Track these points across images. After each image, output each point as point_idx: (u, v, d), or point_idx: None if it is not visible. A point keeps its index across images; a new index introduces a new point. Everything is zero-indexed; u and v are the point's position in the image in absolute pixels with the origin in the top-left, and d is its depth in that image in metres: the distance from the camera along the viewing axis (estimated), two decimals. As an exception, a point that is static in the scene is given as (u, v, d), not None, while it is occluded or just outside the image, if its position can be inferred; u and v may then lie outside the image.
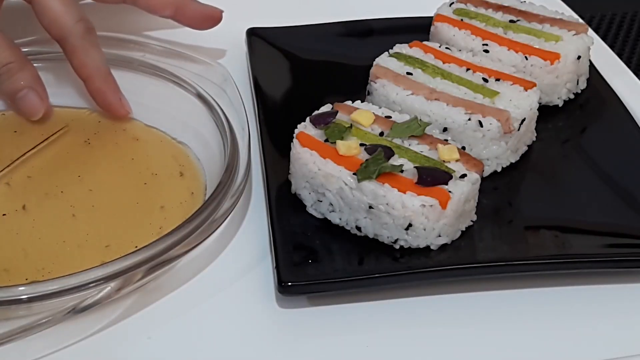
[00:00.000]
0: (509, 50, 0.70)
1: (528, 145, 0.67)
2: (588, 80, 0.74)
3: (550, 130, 0.70)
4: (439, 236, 0.57)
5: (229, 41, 0.80)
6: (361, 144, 0.59)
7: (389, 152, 0.58)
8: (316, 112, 0.62)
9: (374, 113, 0.61)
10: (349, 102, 0.63)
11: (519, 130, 0.64)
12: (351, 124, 0.60)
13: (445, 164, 0.57)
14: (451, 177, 0.56)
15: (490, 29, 0.72)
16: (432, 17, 0.76)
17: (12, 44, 0.63)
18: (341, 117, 0.61)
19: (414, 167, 0.57)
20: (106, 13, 0.83)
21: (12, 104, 0.64)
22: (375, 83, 0.67)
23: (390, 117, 0.61)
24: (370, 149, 0.58)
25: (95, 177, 0.63)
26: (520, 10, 0.74)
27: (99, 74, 0.65)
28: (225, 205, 0.56)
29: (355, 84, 0.71)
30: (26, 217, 0.59)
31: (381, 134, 0.60)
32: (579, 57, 0.71)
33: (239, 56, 0.78)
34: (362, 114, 0.61)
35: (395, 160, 0.57)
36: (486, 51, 0.70)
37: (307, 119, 0.61)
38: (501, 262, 0.57)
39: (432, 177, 0.56)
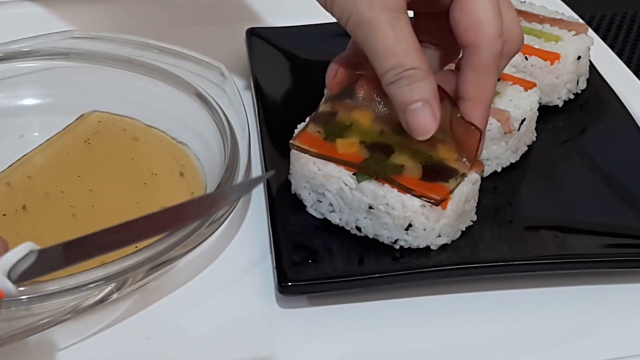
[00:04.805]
0: (509, 50, 0.70)
1: (528, 145, 0.67)
2: (588, 80, 0.74)
3: (550, 130, 0.70)
4: (439, 236, 0.57)
5: (229, 41, 0.80)
6: (361, 142, 0.58)
7: (389, 150, 0.58)
8: (316, 112, 0.62)
9: (374, 111, 0.61)
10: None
11: (519, 130, 0.64)
12: (351, 123, 0.60)
13: (446, 163, 0.57)
14: (456, 173, 0.56)
15: (490, 29, 0.72)
16: (432, 17, 0.75)
17: (420, 48, 0.54)
18: (342, 116, 0.61)
19: (420, 162, 0.56)
20: (106, 13, 0.84)
21: (400, 115, 0.55)
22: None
23: (391, 115, 0.61)
24: (371, 147, 0.58)
25: (95, 177, 0.63)
26: (520, 10, 0.74)
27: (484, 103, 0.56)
28: (225, 206, 0.57)
29: (355, 84, 0.71)
30: (26, 217, 0.59)
31: (382, 131, 0.60)
32: (579, 58, 0.71)
33: (239, 56, 0.78)
34: (362, 112, 0.61)
35: (396, 158, 0.57)
36: (486, 51, 0.70)
37: (307, 118, 0.61)
38: (501, 262, 0.57)
39: (437, 172, 0.56)
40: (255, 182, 0.44)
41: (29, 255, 0.37)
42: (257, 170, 0.65)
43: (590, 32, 0.75)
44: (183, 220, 0.42)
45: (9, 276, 0.37)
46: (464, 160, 0.57)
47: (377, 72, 0.54)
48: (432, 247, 0.57)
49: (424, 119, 0.54)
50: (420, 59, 0.53)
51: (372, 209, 0.56)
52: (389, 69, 0.53)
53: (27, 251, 0.37)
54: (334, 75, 0.60)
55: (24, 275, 0.37)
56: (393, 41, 0.52)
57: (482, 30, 0.53)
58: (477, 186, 0.58)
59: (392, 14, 0.52)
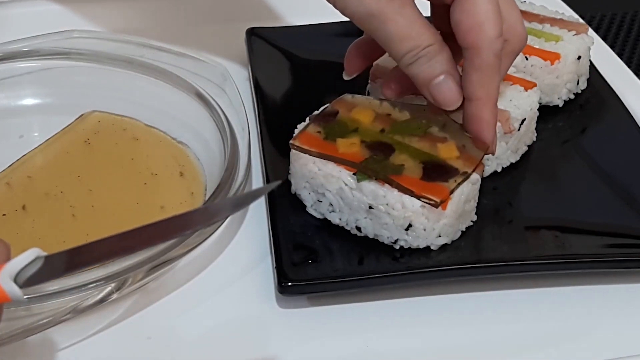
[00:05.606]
0: (509, 50, 0.70)
1: (528, 145, 0.67)
2: (588, 80, 0.74)
3: (550, 130, 0.70)
4: (439, 236, 0.57)
5: (229, 41, 0.80)
6: (362, 142, 0.58)
7: (389, 149, 0.58)
8: (316, 112, 0.62)
9: (374, 110, 0.61)
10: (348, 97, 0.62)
11: (519, 130, 0.64)
12: (351, 123, 0.60)
13: (446, 163, 0.57)
14: (458, 172, 0.56)
15: (490, 28, 0.72)
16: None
17: (430, 26, 0.56)
18: (342, 115, 0.61)
19: (420, 162, 0.56)
20: (106, 13, 0.84)
21: (424, 92, 0.56)
22: (375, 83, 0.67)
23: (390, 114, 0.61)
24: (371, 147, 0.58)
25: (95, 177, 0.63)
26: (520, 10, 0.74)
27: (491, 101, 0.57)
28: (225, 206, 0.56)
29: (355, 84, 0.70)
30: (26, 217, 0.59)
31: (382, 130, 0.60)
32: (579, 57, 0.71)
33: (239, 56, 0.78)
34: (362, 111, 0.61)
35: (396, 158, 0.57)
36: (486, 51, 0.70)
37: (308, 118, 0.61)
38: (501, 262, 0.57)
39: (438, 172, 0.56)
40: (260, 192, 0.44)
41: (36, 261, 0.38)
42: (257, 170, 0.65)
43: (591, 32, 0.75)
44: (188, 229, 0.43)
45: (15, 281, 0.37)
46: (475, 147, 0.57)
47: (394, 57, 0.56)
48: (432, 247, 0.57)
49: (449, 91, 0.56)
50: (433, 35, 0.55)
51: (372, 209, 0.56)
52: (407, 52, 0.55)
53: (33, 257, 0.38)
54: (352, 59, 0.62)
55: (30, 281, 0.38)
56: (404, 26, 0.54)
57: (483, 31, 0.54)
58: (477, 186, 0.58)
59: (398, 2, 0.54)
